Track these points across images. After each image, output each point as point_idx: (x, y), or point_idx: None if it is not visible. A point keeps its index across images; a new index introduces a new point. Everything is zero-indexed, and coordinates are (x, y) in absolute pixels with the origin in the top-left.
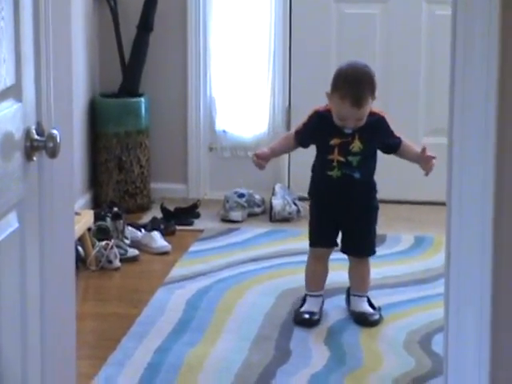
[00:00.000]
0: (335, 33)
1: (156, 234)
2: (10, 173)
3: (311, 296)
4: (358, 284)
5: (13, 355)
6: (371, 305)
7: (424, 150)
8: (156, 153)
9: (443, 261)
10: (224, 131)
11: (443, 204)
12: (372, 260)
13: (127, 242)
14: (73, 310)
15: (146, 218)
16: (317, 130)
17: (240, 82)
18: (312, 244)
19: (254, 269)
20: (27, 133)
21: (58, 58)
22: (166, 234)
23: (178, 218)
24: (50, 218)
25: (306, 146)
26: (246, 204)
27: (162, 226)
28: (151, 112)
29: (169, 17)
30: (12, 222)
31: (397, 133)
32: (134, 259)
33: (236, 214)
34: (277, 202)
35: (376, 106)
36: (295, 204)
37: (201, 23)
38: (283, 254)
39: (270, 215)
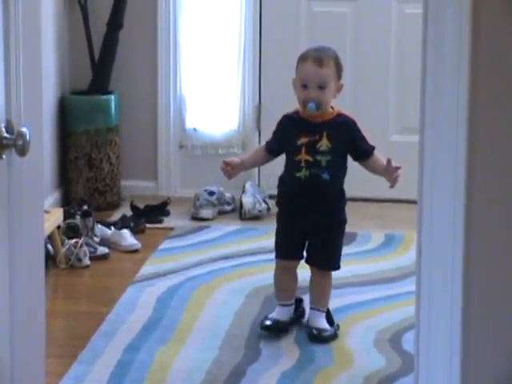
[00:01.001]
0: (305, 31)
1: (126, 232)
2: None
3: (280, 305)
4: (318, 298)
5: None
6: (329, 320)
7: (389, 161)
8: (126, 150)
9: (413, 259)
10: (194, 129)
11: (413, 202)
12: (342, 258)
13: (97, 240)
14: (42, 307)
15: (115, 216)
16: (285, 133)
17: (210, 80)
18: (277, 256)
19: (224, 267)
20: None
21: (28, 56)
22: (135, 231)
23: (148, 216)
24: (19, 216)
25: (274, 153)
26: (216, 202)
27: (131, 224)
28: (121, 109)
29: (139, 14)
30: None
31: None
32: (103, 257)
33: (206, 212)
34: (247, 200)
35: (346, 103)
36: (265, 202)
37: (171, 21)
38: (253, 251)
39: (240, 213)
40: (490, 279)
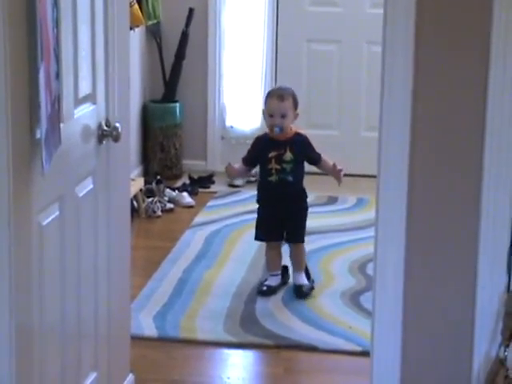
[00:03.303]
0: (306, 64)
1: (185, 194)
2: (88, 151)
3: (271, 275)
4: (298, 264)
5: (89, 274)
6: (307, 275)
7: (334, 165)
8: (186, 140)
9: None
10: (231, 126)
11: (375, 176)
12: (328, 213)
13: (166, 199)
14: (128, 243)
15: (178, 183)
16: (259, 149)
17: (242, 94)
18: (264, 239)
19: (249, 218)
20: (99, 125)
21: (120, 76)
22: (191, 193)
23: (200, 184)
24: (114, 182)
25: (252, 165)
26: None
27: (189, 189)
28: (183, 112)
29: (195, 49)
30: (88, 184)
31: (318, 150)
32: (170, 210)
33: (238, 181)
34: None
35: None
36: None
37: (216, 55)
38: None
39: None
40: (427, 229)
